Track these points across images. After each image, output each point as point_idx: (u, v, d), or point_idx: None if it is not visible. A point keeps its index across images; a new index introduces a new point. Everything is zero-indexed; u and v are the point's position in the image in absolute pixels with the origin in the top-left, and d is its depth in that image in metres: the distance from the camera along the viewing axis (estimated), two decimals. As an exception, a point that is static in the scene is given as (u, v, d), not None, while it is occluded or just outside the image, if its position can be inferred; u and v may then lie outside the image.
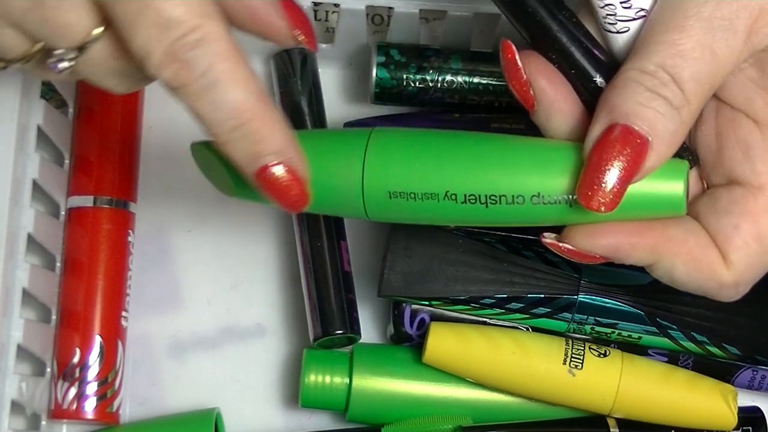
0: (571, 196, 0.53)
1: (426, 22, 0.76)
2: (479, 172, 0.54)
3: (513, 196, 0.54)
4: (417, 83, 0.74)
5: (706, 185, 0.57)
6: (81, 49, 0.51)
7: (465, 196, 0.54)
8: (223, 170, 0.56)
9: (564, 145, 0.54)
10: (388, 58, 0.74)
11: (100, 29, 0.51)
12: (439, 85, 0.74)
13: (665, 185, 0.53)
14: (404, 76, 0.74)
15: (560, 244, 0.55)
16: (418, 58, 0.74)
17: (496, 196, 0.54)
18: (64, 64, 0.52)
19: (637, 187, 0.53)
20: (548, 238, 0.55)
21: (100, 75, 0.53)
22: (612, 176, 0.51)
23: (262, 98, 0.51)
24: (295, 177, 0.53)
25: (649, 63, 0.52)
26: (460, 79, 0.73)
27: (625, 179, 0.52)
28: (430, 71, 0.73)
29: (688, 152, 0.56)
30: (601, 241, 0.54)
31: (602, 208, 0.52)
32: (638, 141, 0.51)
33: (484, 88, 0.74)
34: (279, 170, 0.52)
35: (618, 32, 0.54)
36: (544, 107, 0.55)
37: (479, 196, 0.54)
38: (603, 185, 0.51)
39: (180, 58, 0.49)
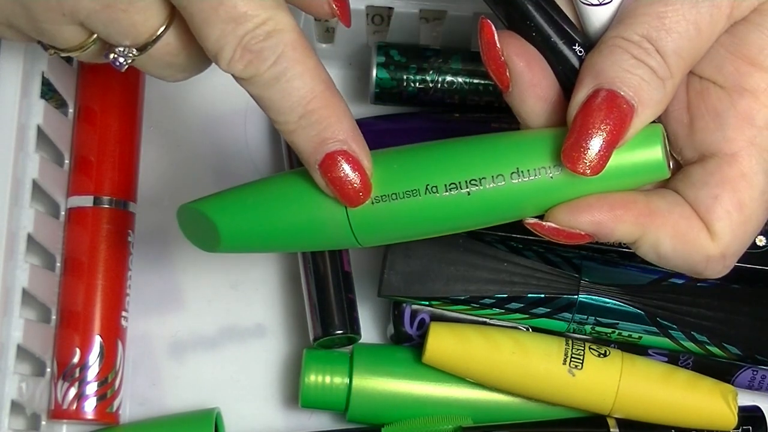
0: (552, 170, 0.53)
1: (426, 22, 0.76)
2: (457, 159, 0.54)
3: (492, 176, 0.53)
4: (417, 84, 0.74)
5: (680, 164, 0.56)
6: (143, 47, 0.53)
7: (446, 186, 0.53)
8: (212, 225, 0.56)
9: (538, 130, 0.55)
10: (388, 58, 0.74)
11: (163, 27, 0.52)
12: (439, 85, 0.74)
13: (644, 151, 0.53)
14: (404, 77, 0.74)
15: (543, 223, 0.54)
16: (418, 59, 0.74)
17: (476, 180, 0.53)
18: (124, 60, 0.53)
19: (617, 156, 0.52)
20: (531, 219, 0.54)
21: (157, 68, 0.55)
22: (597, 140, 0.51)
23: (329, 87, 0.53)
24: (358, 167, 0.53)
25: (634, 33, 0.52)
26: (460, 79, 0.73)
27: (610, 143, 0.51)
28: (430, 72, 0.73)
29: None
30: (584, 216, 0.53)
31: (588, 171, 0.51)
32: (624, 106, 0.51)
33: (484, 89, 0.74)
34: (343, 159, 0.53)
35: (600, 4, 0.54)
36: (520, 90, 0.54)
37: (459, 183, 0.53)
38: (589, 148, 0.51)
39: (252, 50, 0.51)
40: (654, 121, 0.54)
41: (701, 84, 0.55)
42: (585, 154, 0.51)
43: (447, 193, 0.54)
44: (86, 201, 0.72)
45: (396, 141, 0.72)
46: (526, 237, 0.70)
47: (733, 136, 0.54)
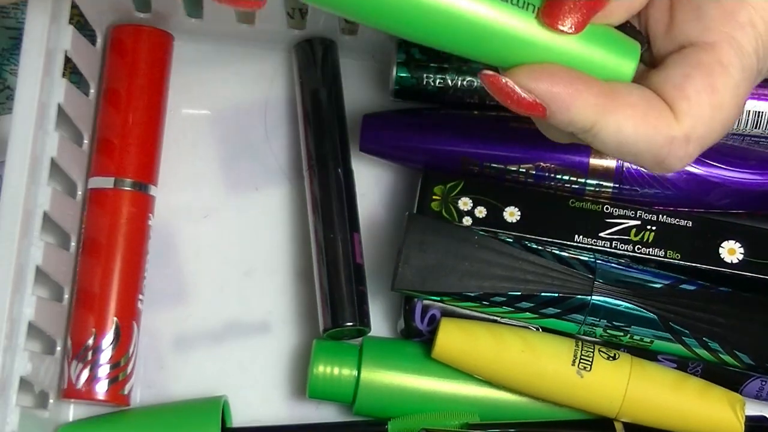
0: (536, 10, 0.52)
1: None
2: None
3: None
4: (437, 83, 0.74)
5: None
6: None
7: None
8: None
9: None
10: (409, 56, 0.74)
11: None
12: (459, 85, 0.74)
13: (618, 60, 0.53)
14: (424, 75, 0.74)
15: (501, 78, 0.52)
16: (438, 58, 0.74)
17: None
18: None
19: (591, 51, 0.52)
20: (488, 71, 0.53)
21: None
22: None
23: None
24: None
25: None
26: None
27: (592, 7, 0.51)
28: (450, 71, 0.74)
29: (639, 34, 0.55)
30: (544, 83, 0.52)
31: (565, 27, 0.51)
32: None
33: (503, 89, 0.73)
34: None
35: None
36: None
37: None
38: (570, 5, 0.51)
39: None
40: (633, 27, 0.54)
41: None
42: (565, 8, 0.51)
43: None
44: (107, 182, 0.72)
45: (416, 135, 0.73)
46: (541, 238, 0.70)
47: (713, 26, 0.53)
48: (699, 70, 0.53)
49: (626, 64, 0.54)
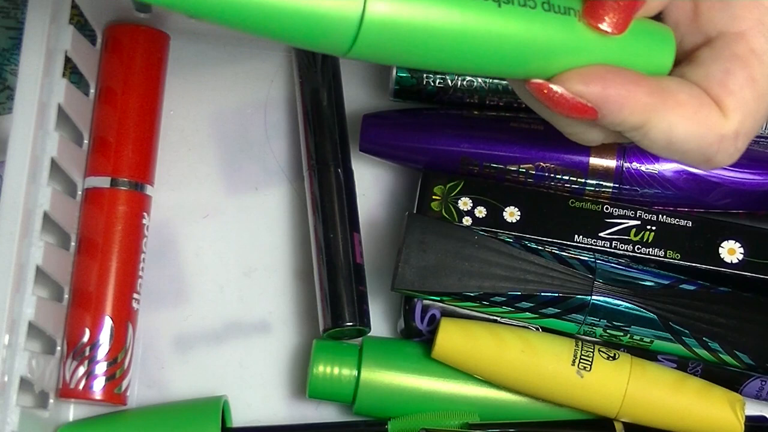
0: (579, 15, 0.51)
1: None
2: None
3: None
4: (437, 83, 0.74)
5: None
6: None
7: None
8: None
9: None
10: (409, 55, 0.74)
11: None
12: (458, 85, 0.74)
13: (658, 50, 0.53)
14: (424, 76, 0.74)
15: (552, 86, 0.51)
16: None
17: None
18: None
19: (632, 46, 0.52)
20: (537, 79, 0.52)
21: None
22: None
23: None
24: None
25: None
26: (479, 79, 0.73)
27: (633, 6, 0.51)
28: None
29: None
30: (596, 86, 0.51)
31: (609, 28, 0.50)
32: None
33: (503, 89, 0.73)
34: None
35: None
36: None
37: None
38: (612, 5, 0.50)
39: None
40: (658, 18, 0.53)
41: None
42: (608, 9, 0.50)
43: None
44: (103, 182, 0.72)
45: (416, 135, 0.73)
46: (541, 238, 0.70)
47: (741, 14, 0.53)
48: (736, 64, 0.52)
49: (666, 53, 0.53)
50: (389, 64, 0.50)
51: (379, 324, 0.74)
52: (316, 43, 0.48)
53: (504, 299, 0.68)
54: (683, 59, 0.54)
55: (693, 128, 0.52)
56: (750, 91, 0.52)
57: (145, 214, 0.73)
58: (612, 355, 0.69)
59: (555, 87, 0.51)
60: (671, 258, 0.70)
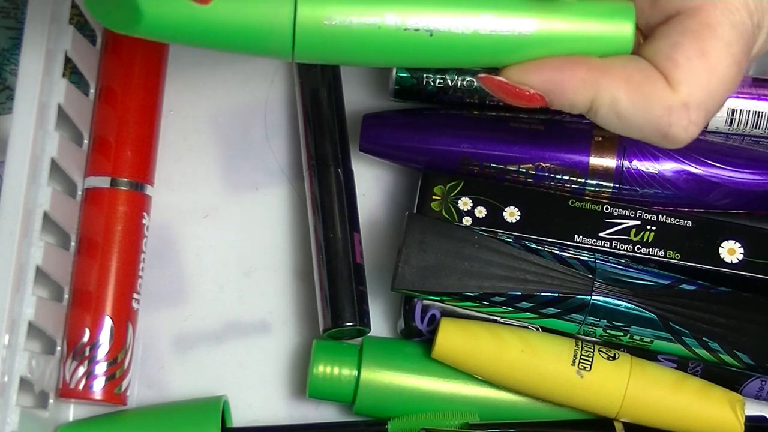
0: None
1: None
2: None
3: None
4: (437, 83, 0.74)
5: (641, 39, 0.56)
6: None
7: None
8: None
9: None
10: (409, 55, 0.74)
11: None
12: (459, 85, 0.74)
13: (615, 24, 0.53)
14: (424, 76, 0.74)
15: (494, 77, 0.54)
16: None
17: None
18: None
19: (586, 27, 0.53)
20: (482, 74, 0.55)
21: None
22: None
23: None
24: None
25: None
26: (479, 79, 0.74)
27: None
28: (450, 71, 0.73)
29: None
30: (533, 75, 0.53)
31: None
32: None
33: (503, 89, 0.74)
34: None
35: None
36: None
37: None
38: None
39: None
40: None
41: None
42: None
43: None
44: (103, 182, 0.72)
45: (416, 135, 0.73)
46: (541, 238, 0.70)
47: None
48: (686, 37, 0.53)
49: (624, 27, 0.54)
50: (338, 64, 0.53)
51: (379, 324, 0.74)
52: (264, 50, 0.52)
53: (504, 299, 0.68)
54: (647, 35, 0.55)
55: (638, 100, 0.53)
56: (700, 63, 0.52)
57: (145, 214, 0.73)
58: (612, 355, 0.69)
59: (496, 78, 0.54)
60: (671, 258, 0.70)
